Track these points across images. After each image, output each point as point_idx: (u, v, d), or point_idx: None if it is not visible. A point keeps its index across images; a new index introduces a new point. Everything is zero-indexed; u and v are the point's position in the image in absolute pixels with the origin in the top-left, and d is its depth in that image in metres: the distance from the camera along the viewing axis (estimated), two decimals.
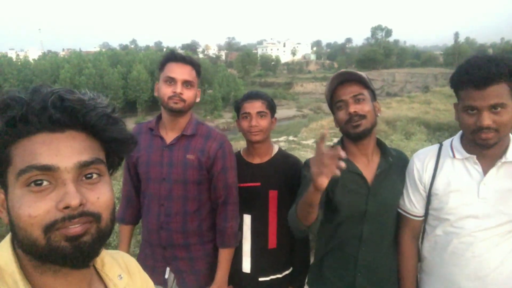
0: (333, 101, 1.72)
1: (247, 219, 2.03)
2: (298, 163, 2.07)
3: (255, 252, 2.03)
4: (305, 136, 16.28)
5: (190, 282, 1.97)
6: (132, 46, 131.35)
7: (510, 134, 1.51)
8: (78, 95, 0.68)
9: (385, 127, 14.94)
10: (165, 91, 1.85)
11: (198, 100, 1.98)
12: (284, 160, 2.06)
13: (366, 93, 1.67)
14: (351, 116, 1.63)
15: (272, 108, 2.01)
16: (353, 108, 1.62)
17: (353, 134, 1.66)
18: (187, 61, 1.89)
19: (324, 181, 1.26)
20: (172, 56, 1.90)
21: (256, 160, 2.05)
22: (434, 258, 1.65)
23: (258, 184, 2.00)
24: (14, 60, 57.16)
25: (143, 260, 1.97)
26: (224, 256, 1.96)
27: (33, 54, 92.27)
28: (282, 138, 16.87)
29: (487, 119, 1.37)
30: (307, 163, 1.78)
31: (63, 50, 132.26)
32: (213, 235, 2.01)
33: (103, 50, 76.72)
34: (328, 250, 1.82)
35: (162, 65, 1.91)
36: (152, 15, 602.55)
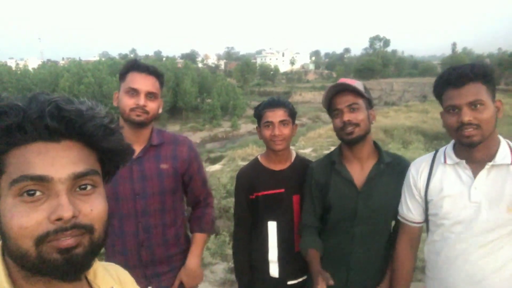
0: (331, 109, 1.82)
1: (272, 226, 2.01)
2: None
3: (283, 258, 2.03)
4: (303, 145, 16.31)
5: None
6: (132, 55, 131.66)
7: (500, 138, 1.55)
8: (76, 105, 0.67)
9: (383, 135, 14.99)
10: (127, 102, 1.75)
11: (160, 111, 1.88)
12: (302, 164, 2.08)
13: (360, 102, 1.76)
14: (345, 124, 1.74)
15: (293, 115, 1.99)
16: (347, 117, 1.73)
17: (346, 140, 1.79)
18: (151, 72, 1.80)
19: None
20: (135, 66, 1.79)
21: (278, 167, 2.03)
22: (433, 262, 1.70)
23: (282, 190, 2.00)
24: (14, 69, 57.24)
25: None
26: (200, 239, 1.96)
27: (33, 63, 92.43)
28: None
29: (467, 115, 1.43)
30: (311, 169, 1.99)
31: (63, 59, 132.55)
32: (188, 242, 2.02)
33: (103, 59, 76.87)
34: (325, 249, 1.91)
35: (123, 74, 1.81)
36: (152, 25, 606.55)
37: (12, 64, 74.63)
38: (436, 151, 1.72)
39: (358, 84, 1.81)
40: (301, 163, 2.10)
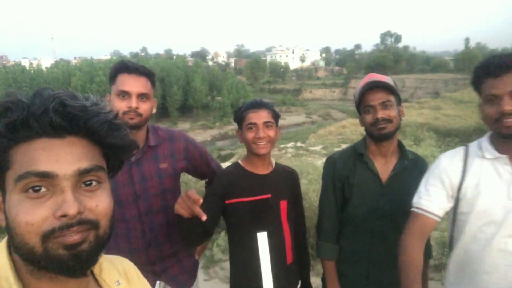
0: (362, 104, 1.82)
1: (261, 237, 1.83)
2: (294, 171, 2.06)
3: (277, 272, 1.84)
4: (313, 142, 16.27)
5: (183, 280, 1.98)
6: (143, 54, 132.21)
7: None
8: (81, 101, 0.67)
9: None
10: (119, 106, 1.69)
11: (154, 111, 1.83)
12: (284, 169, 2.01)
13: (392, 99, 1.77)
14: (377, 120, 1.75)
15: (277, 117, 1.89)
16: (380, 114, 1.74)
17: (377, 135, 1.78)
18: (141, 72, 1.74)
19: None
20: (124, 67, 1.73)
21: (262, 171, 1.89)
22: (462, 263, 1.58)
23: (268, 195, 1.86)
24: (27, 68, 58.25)
25: None
26: None
27: (46, 63, 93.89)
28: (290, 144, 16.86)
29: (508, 104, 1.36)
30: (329, 159, 1.99)
31: (75, 58, 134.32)
32: None
33: (114, 58, 77.63)
34: (343, 244, 1.94)
35: (113, 76, 1.75)
36: (162, 23, 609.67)
37: (25, 63, 76.05)
38: (467, 146, 1.61)
39: (389, 80, 1.81)
40: (284, 169, 2.02)
